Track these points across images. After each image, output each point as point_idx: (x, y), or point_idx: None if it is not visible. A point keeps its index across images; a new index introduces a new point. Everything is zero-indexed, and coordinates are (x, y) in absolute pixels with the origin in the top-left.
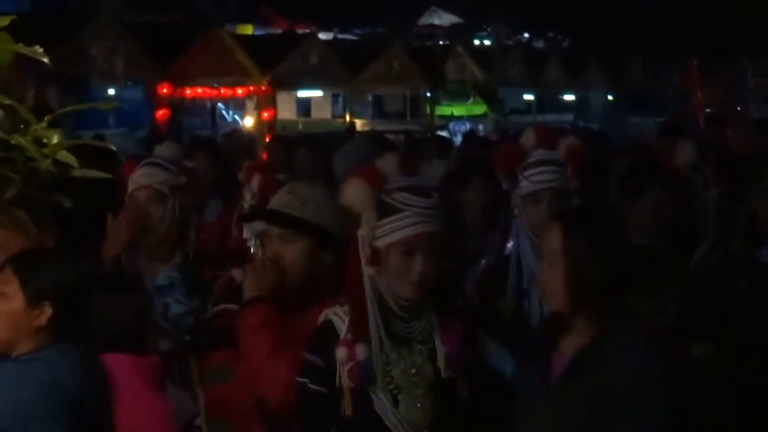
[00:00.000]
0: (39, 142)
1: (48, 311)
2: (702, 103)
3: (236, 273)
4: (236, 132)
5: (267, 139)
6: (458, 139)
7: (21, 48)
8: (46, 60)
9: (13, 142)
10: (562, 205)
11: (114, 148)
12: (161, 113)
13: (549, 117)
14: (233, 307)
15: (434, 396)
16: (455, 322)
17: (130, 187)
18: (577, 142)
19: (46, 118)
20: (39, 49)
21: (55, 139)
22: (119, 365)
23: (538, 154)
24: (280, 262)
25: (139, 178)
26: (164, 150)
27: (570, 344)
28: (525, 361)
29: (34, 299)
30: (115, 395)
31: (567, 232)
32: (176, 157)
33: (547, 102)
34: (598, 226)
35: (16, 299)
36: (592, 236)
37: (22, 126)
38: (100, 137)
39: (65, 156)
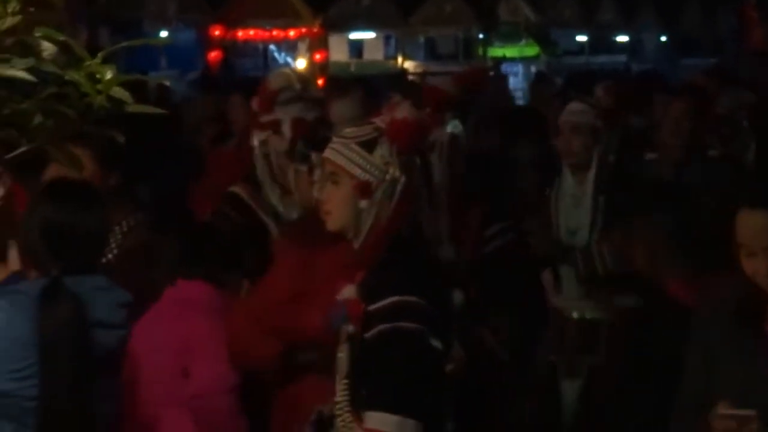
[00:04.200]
0: (93, 78)
1: None
2: (758, 43)
3: None
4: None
5: (319, 82)
6: (510, 81)
7: None
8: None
9: (67, 77)
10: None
11: (169, 84)
12: (213, 55)
13: (601, 58)
14: None
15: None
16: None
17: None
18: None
19: (99, 54)
20: None
21: (109, 75)
22: (195, 290)
23: None
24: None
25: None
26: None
27: None
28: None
29: None
30: (181, 316)
31: None
32: None
33: (600, 43)
34: None
35: None
36: None
37: (76, 63)
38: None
39: (119, 92)
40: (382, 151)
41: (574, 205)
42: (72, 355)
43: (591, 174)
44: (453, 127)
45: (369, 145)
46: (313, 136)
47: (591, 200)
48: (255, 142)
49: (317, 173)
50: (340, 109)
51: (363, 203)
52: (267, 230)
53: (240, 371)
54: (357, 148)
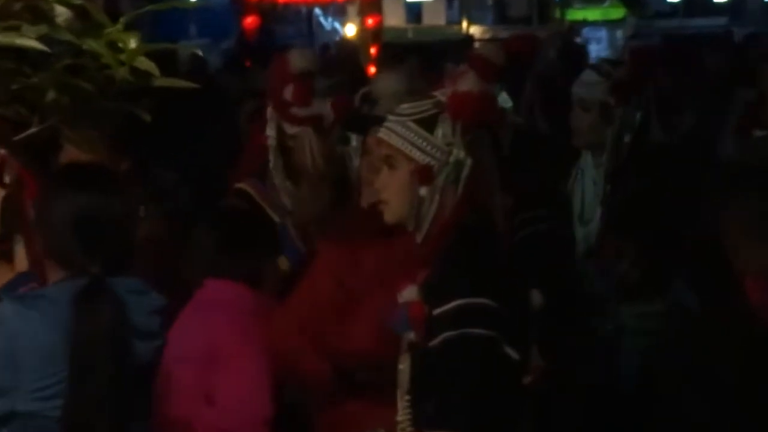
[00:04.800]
0: (114, 48)
1: None
2: None
3: None
4: (342, 42)
5: (372, 50)
6: (594, 48)
7: None
8: None
9: (84, 47)
10: None
11: (201, 53)
12: (249, 21)
13: (698, 21)
14: None
15: None
16: None
17: None
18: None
19: (121, 20)
20: None
21: (132, 44)
22: (224, 291)
23: None
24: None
25: None
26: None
27: None
28: None
29: None
30: (206, 318)
31: None
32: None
33: (696, 3)
34: None
35: None
36: None
37: (94, 30)
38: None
39: (145, 63)
40: (443, 129)
41: (595, 192)
42: (112, 370)
43: (603, 158)
44: (501, 101)
45: (429, 123)
46: (354, 116)
47: (601, 189)
48: (269, 131)
49: (356, 159)
50: (391, 82)
51: (423, 190)
52: (276, 229)
53: (278, 395)
54: (415, 126)
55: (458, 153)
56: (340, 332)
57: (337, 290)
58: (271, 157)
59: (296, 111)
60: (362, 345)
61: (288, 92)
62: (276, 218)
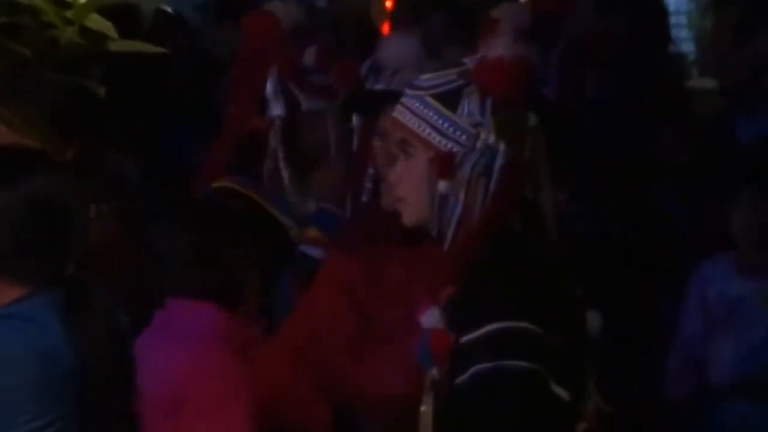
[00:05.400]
0: (60, 2)
1: None
2: None
3: None
4: None
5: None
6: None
7: None
8: None
9: (22, 1)
10: None
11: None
12: None
13: None
14: None
15: None
16: None
17: None
18: None
19: None
20: None
21: None
22: (191, 315)
23: None
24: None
25: None
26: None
27: None
28: None
29: None
30: (172, 349)
31: None
32: None
33: None
34: None
35: None
36: None
37: None
38: None
39: (98, 22)
40: (470, 106)
41: None
42: (125, 399)
43: None
44: None
45: (451, 99)
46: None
47: None
48: (277, 110)
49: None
50: (407, 46)
51: (443, 185)
52: (283, 229)
53: None
54: (434, 103)
55: (487, 137)
56: (361, 370)
57: (349, 313)
58: (276, 144)
59: (317, 79)
60: (394, 388)
61: (309, 55)
62: (287, 222)
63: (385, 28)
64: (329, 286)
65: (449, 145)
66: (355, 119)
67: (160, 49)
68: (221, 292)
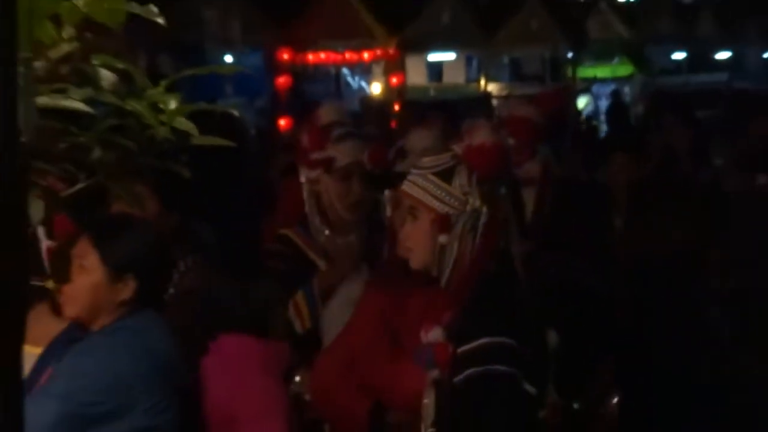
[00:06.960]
0: (156, 108)
1: (132, 284)
2: None
3: None
4: (366, 99)
5: (396, 107)
6: (603, 103)
7: (134, 8)
8: (161, 21)
9: (128, 108)
10: None
11: (237, 113)
12: (282, 80)
13: (701, 77)
14: None
15: None
16: None
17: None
18: None
19: (162, 83)
20: (154, 9)
21: (172, 105)
22: (235, 346)
23: None
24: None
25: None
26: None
27: None
28: None
29: (115, 273)
30: (224, 374)
31: None
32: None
33: (699, 61)
34: None
35: (96, 272)
36: None
37: (137, 92)
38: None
39: (184, 123)
40: (460, 180)
41: None
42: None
43: None
44: (546, 157)
45: (447, 175)
46: (382, 172)
47: None
48: (302, 179)
49: (388, 208)
50: (423, 138)
51: (443, 238)
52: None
53: None
54: (434, 178)
55: (474, 202)
56: (390, 372)
57: (384, 331)
58: (307, 204)
59: (312, 155)
60: (413, 386)
61: (305, 140)
62: (319, 263)
63: (393, 124)
64: (367, 314)
65: (446, 209)
66: (386, 193)
67: (229, 142)
68: (258, 325)
